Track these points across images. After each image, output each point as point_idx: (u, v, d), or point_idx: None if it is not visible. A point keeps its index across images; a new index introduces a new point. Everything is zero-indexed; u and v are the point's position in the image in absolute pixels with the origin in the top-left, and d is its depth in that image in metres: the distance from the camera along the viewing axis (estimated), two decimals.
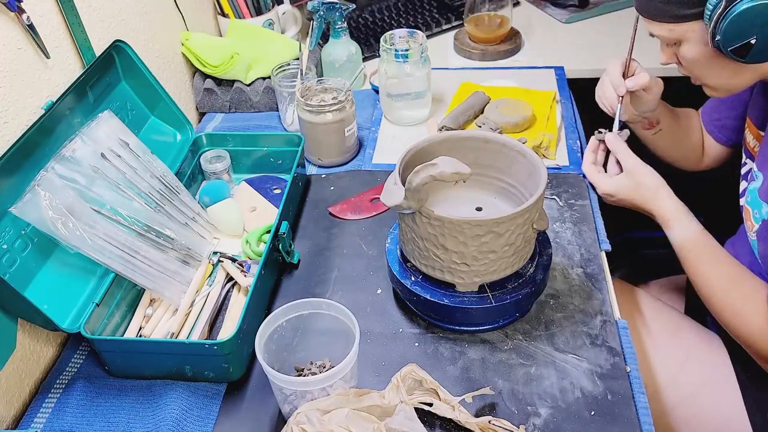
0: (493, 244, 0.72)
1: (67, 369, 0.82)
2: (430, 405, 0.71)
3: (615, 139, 0.98)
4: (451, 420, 0.71)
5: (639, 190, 0.94)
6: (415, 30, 1.15)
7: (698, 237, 0.89)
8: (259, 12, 1.30)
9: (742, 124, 0.99)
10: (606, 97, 1.01)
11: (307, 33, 1.21)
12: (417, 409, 0.70)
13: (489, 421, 0.69)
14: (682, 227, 0.90)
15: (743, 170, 0.96)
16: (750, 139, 0.95)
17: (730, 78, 0.84)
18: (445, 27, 1.48)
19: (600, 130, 1.02)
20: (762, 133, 0.91)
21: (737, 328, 0.85)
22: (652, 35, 0.87)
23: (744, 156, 0.97)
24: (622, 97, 0.98)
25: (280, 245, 0.89)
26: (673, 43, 0.86)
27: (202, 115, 1.30)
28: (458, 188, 0.84)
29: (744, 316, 0.84)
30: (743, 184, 0.94)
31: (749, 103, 0.97)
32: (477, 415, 0.71)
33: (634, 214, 0.98)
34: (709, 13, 0.74)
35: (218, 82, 1.27)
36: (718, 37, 0.74)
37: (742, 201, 0.93)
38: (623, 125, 1.02)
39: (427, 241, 0.74)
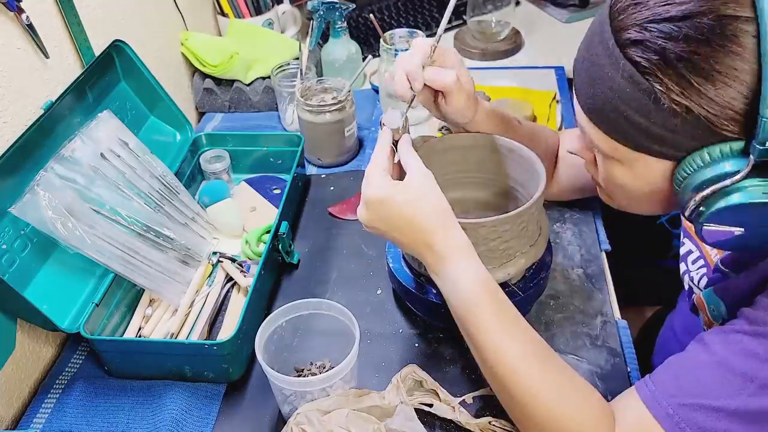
0: (541, 219, 0.74)
1: (67, 369, 0.82)
2: (431, 406, 0.71)
3: (403, 140, 0.68)
4: (451, 421, 0.70)
5: (414, 207, 0.61)
6: (415, 30, 1.15)
7: (495, 284, 0.63)
8: (258, 12, 1.30)
9: None
10: (399, 84, 0.70)
11: (307, 33, 1.21)
12: (417, 410, 0.70)
13: (489, 422, 0.69)
14: (472, 265, 0.62)
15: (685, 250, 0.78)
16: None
17: (651, 209, 0.64)
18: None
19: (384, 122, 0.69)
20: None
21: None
22: (578, 128, 0.63)
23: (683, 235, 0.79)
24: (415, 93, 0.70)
25: (280, 245, 0.89)
26: (605, 154, 0.60)
27: (201, 114, 1.30)
28: (457, 191, 0.85)
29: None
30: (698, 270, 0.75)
31: None
32: (477, 416, 0.71)
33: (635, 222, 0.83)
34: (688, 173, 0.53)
35: (218, 81, 1.26)
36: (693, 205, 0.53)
37: (690, 284, 0.77)
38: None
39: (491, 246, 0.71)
